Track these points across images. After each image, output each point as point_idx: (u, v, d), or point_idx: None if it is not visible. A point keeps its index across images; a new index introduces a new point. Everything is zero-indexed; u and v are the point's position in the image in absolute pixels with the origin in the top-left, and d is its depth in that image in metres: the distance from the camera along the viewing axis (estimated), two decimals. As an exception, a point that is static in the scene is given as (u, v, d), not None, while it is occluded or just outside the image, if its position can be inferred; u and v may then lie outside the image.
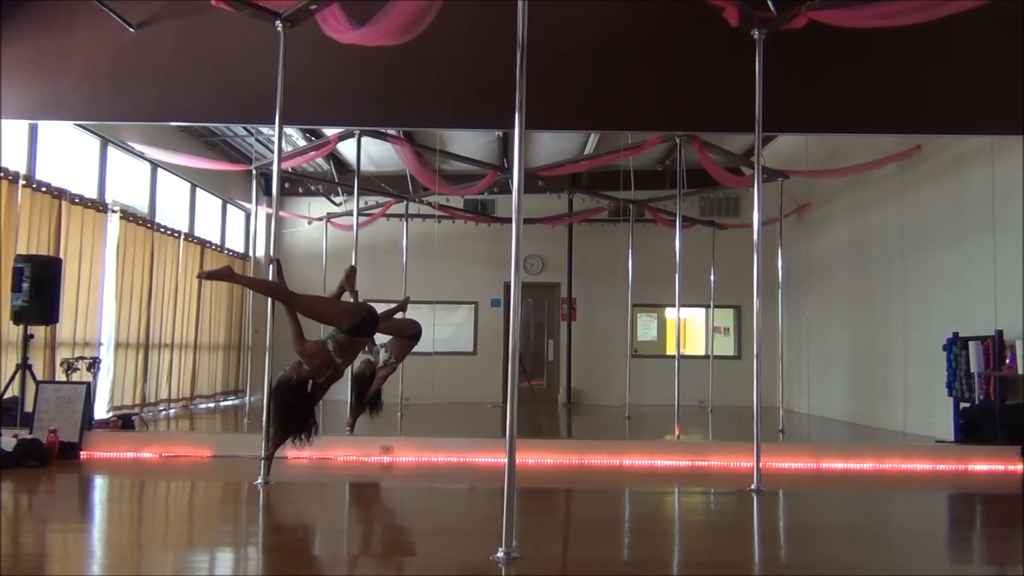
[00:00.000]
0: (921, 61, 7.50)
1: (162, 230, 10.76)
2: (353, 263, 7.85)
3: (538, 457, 7.12)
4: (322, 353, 5.53)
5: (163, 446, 7.36)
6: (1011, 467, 7.07)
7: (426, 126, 9.33)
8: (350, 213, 10.45)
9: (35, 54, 7.65)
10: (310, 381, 5.63)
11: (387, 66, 7.44)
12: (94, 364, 8.04)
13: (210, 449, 7.30)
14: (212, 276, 5.71)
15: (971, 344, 7.94)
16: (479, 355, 14.08)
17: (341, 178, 12.64)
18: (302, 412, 5.55)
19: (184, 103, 7.78)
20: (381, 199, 12.50)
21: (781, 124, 7.64)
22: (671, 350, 12.30)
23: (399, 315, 7.69)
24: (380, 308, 6.23)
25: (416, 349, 7.52)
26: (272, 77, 6.34)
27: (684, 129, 8.34)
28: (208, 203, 12.82)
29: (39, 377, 7.64)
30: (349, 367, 6.16)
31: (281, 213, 12.76)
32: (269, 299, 6.16)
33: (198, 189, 12.25)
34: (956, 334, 8.26)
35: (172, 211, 11.47)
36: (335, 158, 12.46)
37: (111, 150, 9.86)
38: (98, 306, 9.24)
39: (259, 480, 5.76)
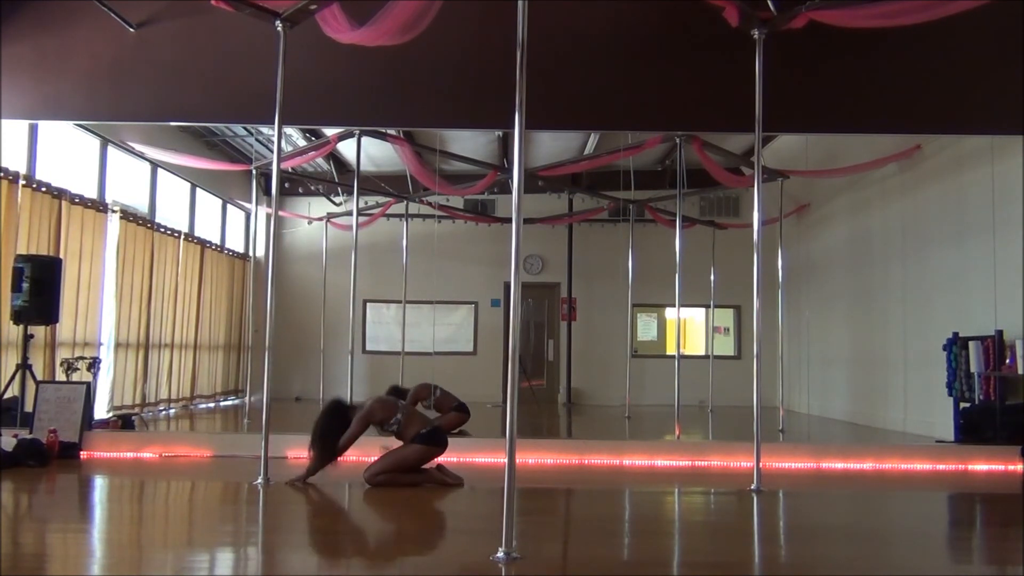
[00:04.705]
0: (921, 61, 7.49)
1: (162, 230, 10.76)
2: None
3: (538, 457, 7.13)
4: (388, 411, 5.87)
5: (163, 446, 7.36)
6: (1011, 467, 7.07)
7: (426, 126, 9.33)
8: (350, 213, 10.45)
9: (35, 54, 7.65)
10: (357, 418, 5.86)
11: (387, 66, 7.44)
12: (94, 364, 8.03)
13: (210, 449, 7.30)
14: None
15: (971, 344, 7.93)
16: (479, 355, 14.07)
17: (341, 178, 12.64)
18: (333, 437, 5.81)
19: (184, 103, 7.78)
20: (381, 199, 12.50)
21: (781, 124, 7.64)
22: (671, 350, 12.31)
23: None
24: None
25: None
26: (272, 77, 6.34)
27: (684, 129, 8.33)
28: (208, 203, 12.82)
29: (39, 377, 7.64)
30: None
31: (281, 213, 12.78)
32: (269, 298, 6.26)
33: (198, 189, 12.26)
34: (956, 334, 8.26)
35: (172, 211, 11.47)
36: (335, 158, 12.46)
37: (111, 150, 9.85)
38: (98, 306, 9.24)
39: (259, 480, 5.77)
